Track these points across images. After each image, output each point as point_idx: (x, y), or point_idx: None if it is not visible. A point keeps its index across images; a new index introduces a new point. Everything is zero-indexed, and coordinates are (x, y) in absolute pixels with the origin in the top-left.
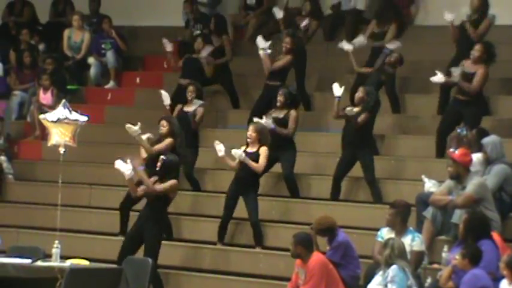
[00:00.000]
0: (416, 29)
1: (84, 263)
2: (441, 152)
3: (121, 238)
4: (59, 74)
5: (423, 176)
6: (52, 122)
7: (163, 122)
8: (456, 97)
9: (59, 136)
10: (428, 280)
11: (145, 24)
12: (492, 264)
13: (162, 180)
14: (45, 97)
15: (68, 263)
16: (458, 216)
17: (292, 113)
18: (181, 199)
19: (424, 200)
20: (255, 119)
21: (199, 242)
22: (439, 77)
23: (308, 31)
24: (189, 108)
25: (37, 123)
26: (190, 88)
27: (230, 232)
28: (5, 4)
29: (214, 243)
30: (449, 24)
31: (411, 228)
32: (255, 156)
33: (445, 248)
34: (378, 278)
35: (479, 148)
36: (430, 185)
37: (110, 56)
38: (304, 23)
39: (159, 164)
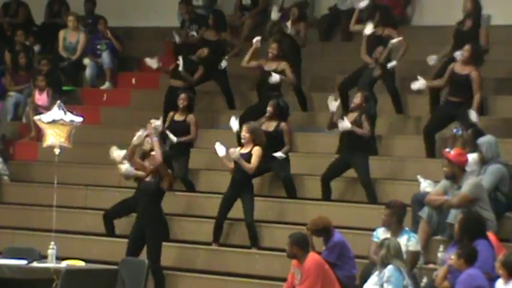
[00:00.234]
0: (412, 30)
1: (80, 264)
2: (431, 151)
3: (117, 239)
4: (55, 75)
5: (419, 176)
6: (47, 123)
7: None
8: (448, 99)
9: (54, 137)
10: (424, 280)
11: (141, 25)
12: (488, 264)
13: (155, 174)
14: (41, 98)
15: (64, 264)
16: (454, 216)
17: (284, 127)
18: (176, 200)
19: (419, 200)
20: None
21: (194, 242)
22: (421, 83)
23: (299, 34)
24: (180, 118)
25: (32, 124)
26: (182, 96)
27: (226, 232)
28: (0, 5)
29: (210, 244)
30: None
31: (407, 228)
32: (248, 157)
33: (441, 248)
34: (373, 278)
35: (475, 148)
36: (425, 185)
37: (105, 57)
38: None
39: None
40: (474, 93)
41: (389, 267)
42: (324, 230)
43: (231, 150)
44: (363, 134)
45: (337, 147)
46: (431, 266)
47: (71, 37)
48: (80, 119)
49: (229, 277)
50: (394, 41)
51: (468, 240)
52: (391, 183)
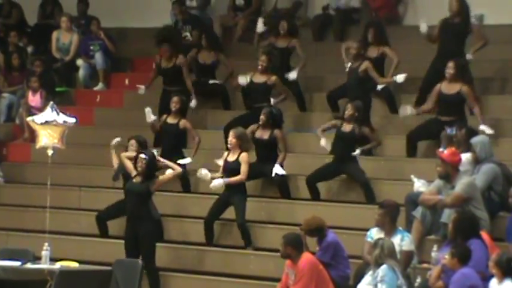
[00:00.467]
0: (405, 29)
1: (74, 265)
2: (412, 153)
3: (111, 240)
4: (48, 76)
5: (412, 176)
6: (40, 124)
7: (133, 142)
8: (438, 118)
9: (47, 138)
10: (418, 280)
11: (134, 25)
12: (481, 263)
13: (146, 178)
14: (34, 99)
15: (58, 265)
16: (448, 216)
17: (278, 134)
18: (169, 200)
19: (413, 200)
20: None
21: (188, 243)
22: (407, 111)
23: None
24: (173, 121)
25: (26, 126)
26: (175, 99)
27: (219, 233)
28: None
29: (204, 244)
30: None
31: (400, 228)
32: (235, 165)
33: (435, 248)
34: (367, 278)
35: (468, 148)
36: (419, 185)
37: (98, 58)
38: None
39: (142, 163)
40: (471, 107)
41: (383, 267)
42: (318, 230)
43: (213, 184)
44: (375, 146)
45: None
46: (425, 265)
47: (64, 38)
48: (73, 120)
49: (224, 277)
50: (400, 78)
51: (462, 240)
52: (384, 183)
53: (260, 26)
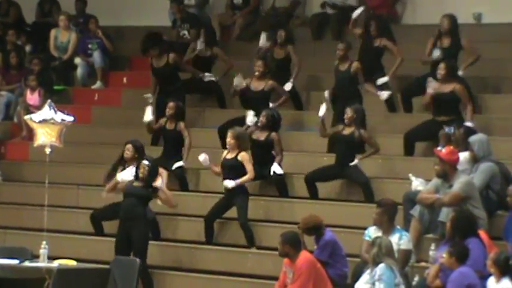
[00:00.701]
0: (404, 28)
1: (72, 263)
2: (410, 152)
3: (109, 239)
4: (46, 74)
5: (410, 175)
6: (38, 122)
7: (129, 147)
8: (436, 119)
9: (45, 136)
10: (416, 278)
11: (132, 24)
12: (479, 262)
13: (147, 184)
14: (32, 98)
15: (56, 263)
16: (446, 215)
17: (274, 136)
18: None
19: (411, 199)
20: None
21: (186, 241)
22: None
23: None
24: (170, 126)
25: (24, 124)
26: (170, 105)
27: (218, 231)
28: None
29: (202, 243)
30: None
31: (398, 226)
32: (234, 162)
33: (432, 246)
34: (365, 277)
35: (467, 146)
36: (417, 184)
37: (96, 56)
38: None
39: (144, 169)
40: (465, 106)
41: (381, 265)
42: (315, 229)
43: (226, 182)
44: (374, 153)
45: (328, 147)
46: (423, 264)
47: (62, 36)
48: (71, 118)
49: (222, 276)
50: (384, 95)
51: (460, 239)
52: (382, 182)
53: (263, 42)
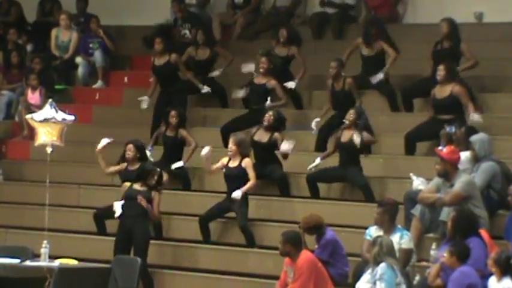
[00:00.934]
0: (404, 27)
1: (73, 262)
2: (411, 152)
3: (109, 238)
4: (47, 73)
5: (411, 174)
6: (39, 121)
7: (130, 147)
8: (437, 118)
9: (46, 136)
10: (417, 278)
11: (133, 23)
12: (480, 261)
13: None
14: (33, 97)
15: (57, 262)
16: (446, 214)
17: (278, 136)
18: (168, 198)
19: (412, 198)
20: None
21: (187, 241)
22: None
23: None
24: (171, 133)
25: (25, 123)
26: (172, 113)
27: (219, 231)
28: None
29: (203, 242)
30: None
31: (399, 226)
32: (237, 170)
33: (433, 246)
34: (366, 276)
35: (468, 146)
36: (418, 183)
37: (97, 56)
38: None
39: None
40: (466, 106)
41: (382, 265)
42: (316, 228)
43: (234, 194)
44: (372, 142)
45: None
46: (423, 263)
47: (63, 36)
48: (72, 118)
49: (222, 275)
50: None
51: (461, 238)
52: (383, 181)
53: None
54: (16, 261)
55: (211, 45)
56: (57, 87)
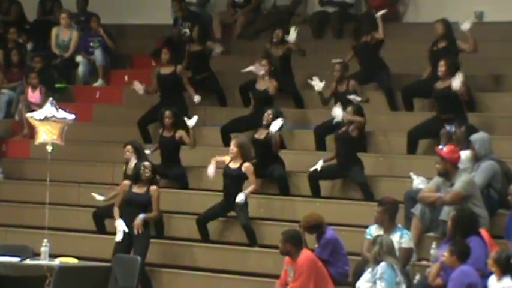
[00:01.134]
0: (405, 26)
1: (73, 261)
2: (413, 150)
3: (110, 237)
4: (47, 72)
5: (411, 173)
6: (39, 120)
7: (129, 148)
8: (439, 117)
9: (46, 134)
10: (417, 277)
11: (133, 22)
12: (480, 260)
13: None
14: (34, 95)
15: (57, 261)
16: (447, 213)
17: (275, 134)
18: (168, 197)
19: (412, 197)
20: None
21: (187, 239)
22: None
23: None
24: (168, 134)
25: (25, 122)
26: (167, 114)
27: (219, 229)
28: None
29: (202, 241)
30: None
31: (400, 225)
32: (237, 172)
33: (434, 245)
34: (366, 275)
35: (468, 145)
36: (418, 182)
37: (98, 54)
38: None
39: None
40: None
41: (382, 264)
42: (316, 227)
43: (239, 197)
44: (360, 123)
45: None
46: (424, 262)
47: (64, 34)
48: (72, 116)
49: (223, 274)
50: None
51: (461, 237)
52: (383, 180)
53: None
54: (16, 259)
55: (203, 40)
56: (57, 85)
